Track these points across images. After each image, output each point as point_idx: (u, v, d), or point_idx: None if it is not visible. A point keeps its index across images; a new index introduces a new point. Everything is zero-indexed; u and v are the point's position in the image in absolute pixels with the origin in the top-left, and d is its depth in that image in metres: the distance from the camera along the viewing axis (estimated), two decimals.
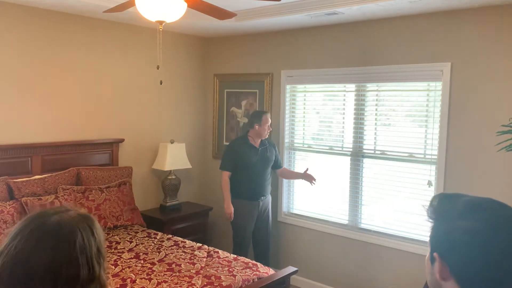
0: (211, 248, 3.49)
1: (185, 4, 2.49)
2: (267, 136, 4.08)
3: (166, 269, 3.03)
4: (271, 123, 4.09)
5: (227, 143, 4.69)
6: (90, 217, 1.02)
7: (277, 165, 4.20)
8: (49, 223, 0.94)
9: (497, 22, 3.17)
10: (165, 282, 2.84)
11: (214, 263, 3.19)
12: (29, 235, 0.92)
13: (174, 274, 2.96)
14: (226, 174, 4.04)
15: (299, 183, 4.42)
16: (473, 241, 0.86)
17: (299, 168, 4.39)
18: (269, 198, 4.17)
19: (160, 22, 2.52)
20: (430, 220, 0.96)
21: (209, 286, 2.81)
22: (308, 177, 4.05)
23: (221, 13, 2.76)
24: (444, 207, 0.94)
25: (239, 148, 4.03)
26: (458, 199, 0.94)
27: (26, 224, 0.95)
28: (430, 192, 3.54)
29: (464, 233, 0.87)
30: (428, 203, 0.98)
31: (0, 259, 0.91)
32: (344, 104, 4.09)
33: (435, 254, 0.93)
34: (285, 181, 4.47)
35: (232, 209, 4.00)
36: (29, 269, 0.89)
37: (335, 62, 4.01)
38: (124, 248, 3.38)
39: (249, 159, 3.98)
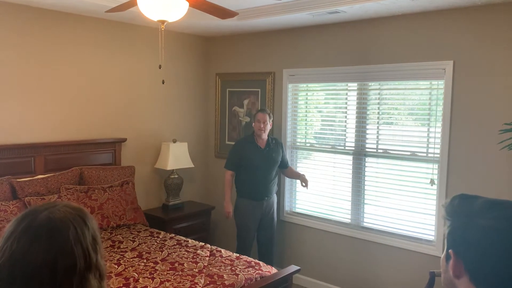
0: (213, 247, 3.50)
1: (187, 4, 2.49)
2: (263, 132, 3.99)
3: (169, 268, 3.04)
4: (272, 121, 4.08)
5: (230, 142, 4.70)
6: (81, 208, 1.03)
7: (283, 165, 4.19)
8: (39, 219, 0.95)
9: (500, 20, 3.16)
10: (168, 281, 2.84)
11: (216, 262, 3.19)
12: (21, 234, 0.93)
13: (177, 273, 2.96)
14: (228, 173, 4.06)
15: (302, 187, 4.42)
16: (489, 238, 0.87)
17: (301, 167, 4.40)
18: (274, 198, 4.16)
19: (162, 22, 2.52)
20: (448, 218, 0.96)
21: (211, 285, 2.82)
22: (303, 180, 4.09)
23: (222, 12, 2.76)
24: (463, 206, 0.94)
25: (243, 148, 4.03)
26: (478, 199, 0.95)
27: (17, 223, 0.96)
28: (433, 191, 3.54)
29: (480, 230, 0.88)
30: (447, 202, 0.98)
31: None
32: (346, 103, 4.08)
33: (450, 251, 0.93)
34: (287, 180, 4.47)
35: (231, 208, 4.02)
36: (26, 266, 0.90)
37: (337, 61, 4.01)
38: (127, 247, 3.39)
39: (252, 159, 3.97)
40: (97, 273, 0.98)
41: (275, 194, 4.17)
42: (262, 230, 4.12)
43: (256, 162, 3.97)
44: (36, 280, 0.90)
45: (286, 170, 4.25)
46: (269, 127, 4.04)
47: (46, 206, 1.00)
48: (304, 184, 4.09)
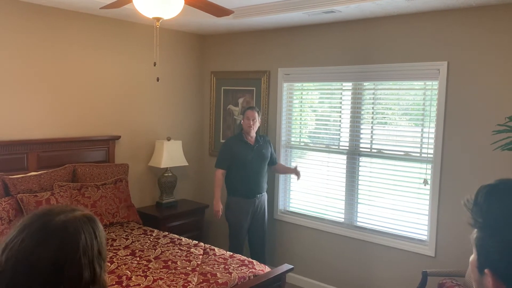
0: (207, 246, 3.50)
1: (183, 1, 2.48)
2: (252, 129, 4.01)
3: (162, 266, 3.03)
4: (260, 118, 4.09)
5: (224, 141, 4.70)
6: (94, 218, 1.03)
7: (272, 161, 4.20)
8: (54, 222, 0.95)
9: (494, 21, 3.18)
10: (161, 279, 2.84)
11: (210, 260, 3.19)
12: (34, 232, 0.93)
13: (170, 271, 2.96)
14: (219, 172, 4.07)
15: (295, 181, 4.43)
16: None
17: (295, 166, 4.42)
18: (265, 196, 4.17)
19: (157, 19, 2.51)
20: (475, 226, 0.78)
21: (205, 284, 2.82)
22: (296, 173, 4.13)
23: (218, 10, 2.76)
24: (494, 210, 0.76)
25: (233, 146, 4.04)
26: (504, 198, 0.76)
27: (33, 220, 0.96)
28: (426, 191, 3.56)
29: None
30: (470, 200, 0.80)
31: (5, 253, 0.92)
32: (341, 103, 4.09)
33: (487, 270, 0.78)
34: (281, 179, 4.47)
35: (220, 207, 4.06)
36: (32, 267, 0.90)
37: (332, 60, 4.02)
38: (120, 245, 3.38)
39: (244, 157, 3.98)
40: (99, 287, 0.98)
41: (265, 192, 4.18)
42: (254, 228, 4.12)
43: (247, 159, 3.98)
44: (40, 282, 0.90)
45: (275, 166, 4.25)
46: (258, 124, 4.06)
47: (64, 209, 1.00)
48: (297, 176, 4.13)
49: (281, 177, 4.46)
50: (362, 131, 3.93)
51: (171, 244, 3.46)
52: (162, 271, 2.95)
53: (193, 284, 2.79)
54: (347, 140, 4.01)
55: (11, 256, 0.91)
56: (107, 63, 4.17)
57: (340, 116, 4.09)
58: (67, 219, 0.96)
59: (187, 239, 3.63)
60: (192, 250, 3.36)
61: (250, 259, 3.28)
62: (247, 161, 3.98)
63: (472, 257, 0.83)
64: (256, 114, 4.02)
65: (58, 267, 0.91)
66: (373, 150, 3.88)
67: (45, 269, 0.90)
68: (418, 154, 3.62)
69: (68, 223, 0.96)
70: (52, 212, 0.98)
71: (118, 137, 4.27)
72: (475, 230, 0.80)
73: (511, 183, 0.79)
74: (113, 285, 2.73)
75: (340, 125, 4.10)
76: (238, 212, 4.02)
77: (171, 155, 4.46)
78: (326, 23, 4.00)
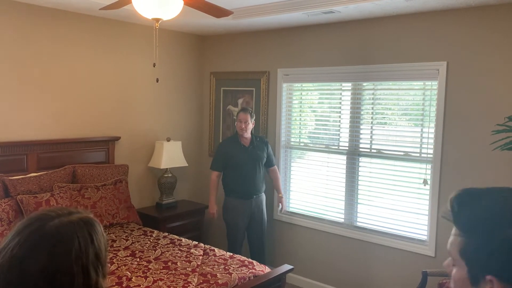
0: (207, 246, 3.50)
1: (182, 2, 2.48)
2: (244, 131, 4.00)
3: (162, 267, 3.03)
4: (254, 120, 4.09)
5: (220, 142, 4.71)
6: (91, 221, 1.00)
7: (268, 163, 4.19)
8: (47, 228, 0.93)
9: (493, 21, 3.18)
10: (161, 280, 2.84)
11: (210, 261, 3.19)
12: (26, 238, 0.92)
13: (170, 272, 2.96)
14: (214, 174, 4.10)
15: (295, 181, 4.44)
16: None
17: (295, 166, 4.42)
18: (262, 196, 4.17)
19: (157, 20, 2.51)
20: (461, 234, 0.80)
21: (205, 284, 2.82)
22: (280, 201, 4.26)
23: (217, 11, 2.76)
24: (468, 216, 0.78)
25: (227, 147, 4.06)
26: (481, 199, 0.78)
27: (26, 225, 0.94)
28: (426, 191, 3.56)
29: None
30: (447, 211, 0.82)
31: None
32: (340, 103, 4.09)
33: (490, 277, 0.75)
34: (281, 179, 4.46)
35: (215, 209, 4.11)
36: (24, 274, 0.89)
37: (332, 61, 4.02)
38: (120, 246, 3.37)
39: (237, 158, 3.99)
40: None
41: (263, 193, 4.18)
42: (252, 229, 4.13)
43: (241, 161, 3.99)
44: None
45: (270, 169, 4.23)
46: (251, 126, 4.05)
47: (59, 213, 0.97)
48: (280, 204, 4.26)
49: (281, 177, 4.45)
50: (361, 131, 3.93)
51: (171, 244, 3.46)
52: (162, 272, 2.95)
53: (193, 285, 2.79)
54: (347, 140, 4.01)
55: (3, 263, 0.89)
56: (107, 64, 4.17)
57: (339, 117, 4.09)
58: (61, 224, 0.94)
59: (187, 239, 3.64)
60: (192, 250, 3.36)
61: (250, 260, 3.28)
62: (241, 163, 3.99)
63: (457, 273, 0.80)
64: (249, 116, 4.00)
65: (49, 275, 0.89)
66: (372, 150, 3.88)
67: (36, 277, 0.88)
68: (418, 154, 3.62)
69: (61, 229, 0.93)
70: (47, 216, 0.95)
71: (118, 138, 4.27)
72: (458, 242, 0.79)
73: (477, 189, 0.80)
74: (113, 286, 2.73)
75: (339, 125, 4.10)
76: (235, 213, 4.04)
77: (170, 155, 4.46)
78: (326, 24, 4.00)
